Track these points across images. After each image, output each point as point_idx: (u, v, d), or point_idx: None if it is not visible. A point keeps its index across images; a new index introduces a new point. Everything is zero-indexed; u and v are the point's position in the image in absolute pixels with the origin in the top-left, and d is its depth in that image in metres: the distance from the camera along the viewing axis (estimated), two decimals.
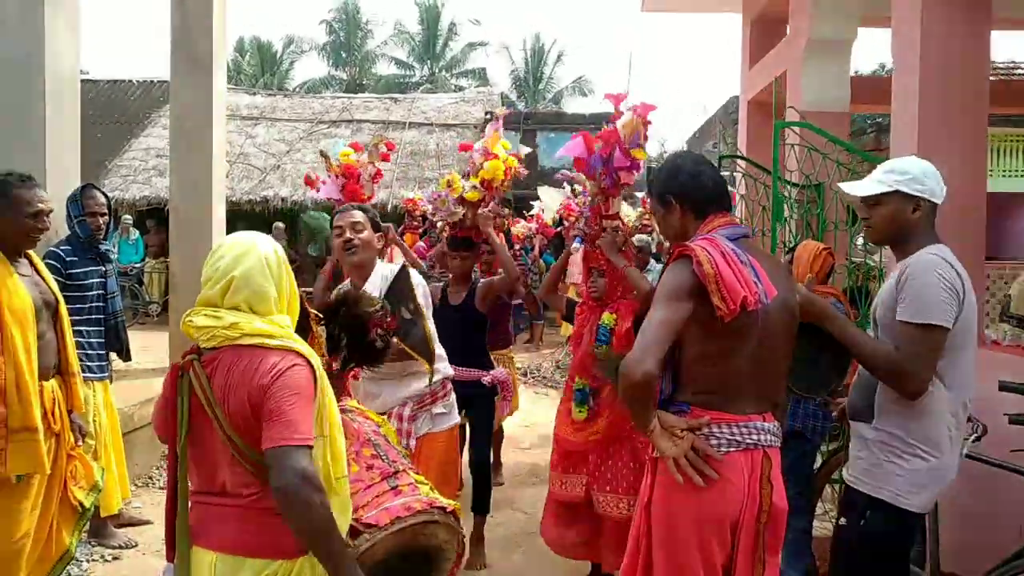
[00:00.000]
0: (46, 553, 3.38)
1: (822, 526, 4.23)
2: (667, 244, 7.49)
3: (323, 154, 4.52)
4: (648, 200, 2.65)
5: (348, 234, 3.37)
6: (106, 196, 4.41)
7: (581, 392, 3.80)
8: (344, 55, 32.81)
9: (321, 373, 2.03)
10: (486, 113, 16.33)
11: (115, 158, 15.34)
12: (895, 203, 2.53)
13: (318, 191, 4.69)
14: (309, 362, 2.00)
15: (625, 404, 2.32)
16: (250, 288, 1.99)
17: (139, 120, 16.55)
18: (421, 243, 12.80)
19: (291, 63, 33.50)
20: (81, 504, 3.47)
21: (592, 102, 33.90)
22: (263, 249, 2.05)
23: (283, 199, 14.66)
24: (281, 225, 14.37)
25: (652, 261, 7.31)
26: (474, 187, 4.24)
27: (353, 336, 2.68)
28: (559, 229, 13.18)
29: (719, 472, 2.18)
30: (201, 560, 1.99)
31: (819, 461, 4.12)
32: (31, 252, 3.43)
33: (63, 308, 3.48)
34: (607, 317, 3.77)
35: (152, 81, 17.92)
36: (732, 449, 2.20)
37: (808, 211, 5.32)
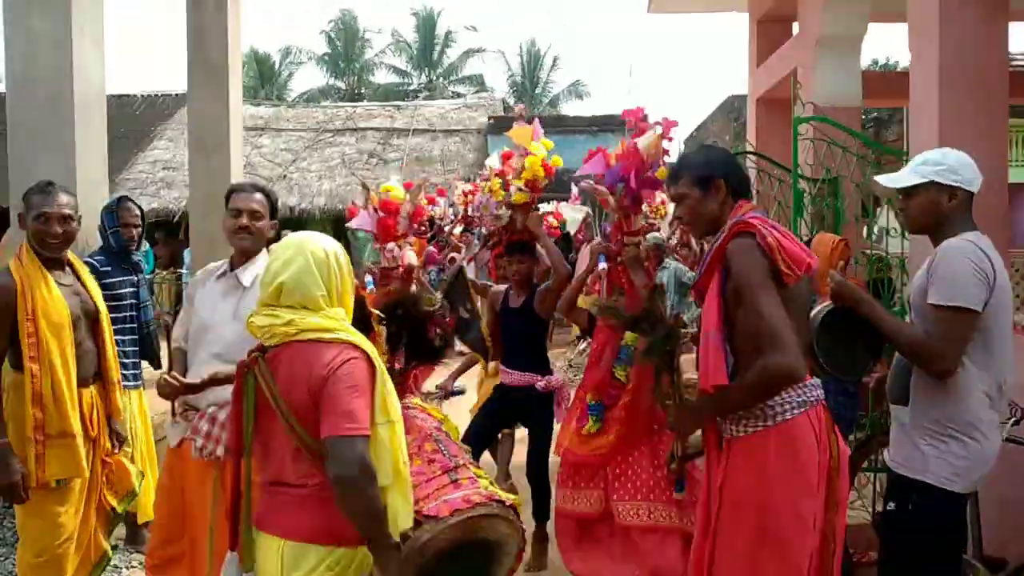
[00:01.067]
0: (86, 556, 3.42)
1: (855, 515, 4.27)
2: (673, 241, 7.50)
3: (364, 186, 4.42)
4: (673, 186, 2.58)
5: (245, 220, 3.16)
6: (140, 208, 4.48)
7: (596, 406, 3.69)
8: (342, 65, 32.90)
9: (379, 363, 2.11)
10: (489, 118, 16.40)
11: (123, 172, 15.41)
12: (930, 193, 2.59)
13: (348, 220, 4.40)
14: (366, 353, 2.07)
15: (754, 396, 2.31)
16: (300, 291, 2.08)
17: (145, 134, 16.63)
18: (431, 247, 12.90)
19: (289, 74, 33.60)
20: (113, 509, 3.52)
21: (589, 105, 34.03)
22: (311, 250, 2.13)
23: (290, 208, 14.72)
24: (289, 234, 14.43)
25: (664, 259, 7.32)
26: (520, 189, 4.20)
27: (413, 335, 2.74)
28: (565, 231, 13.28)
29: (795, 435, 2.30)
30: (269, 547, 2.08)
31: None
32: (75, 261, 3.46)
33: (104, 317, 3.50)
34: (629, 336, 3.62)
35: (156, 95, 17.99)
36: (801, 411, 2.30)
37: (824, 204, 5.38)
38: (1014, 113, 9.20)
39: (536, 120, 4.30)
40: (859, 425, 4.41)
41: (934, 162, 2.60)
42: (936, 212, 2.60)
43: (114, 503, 3.52)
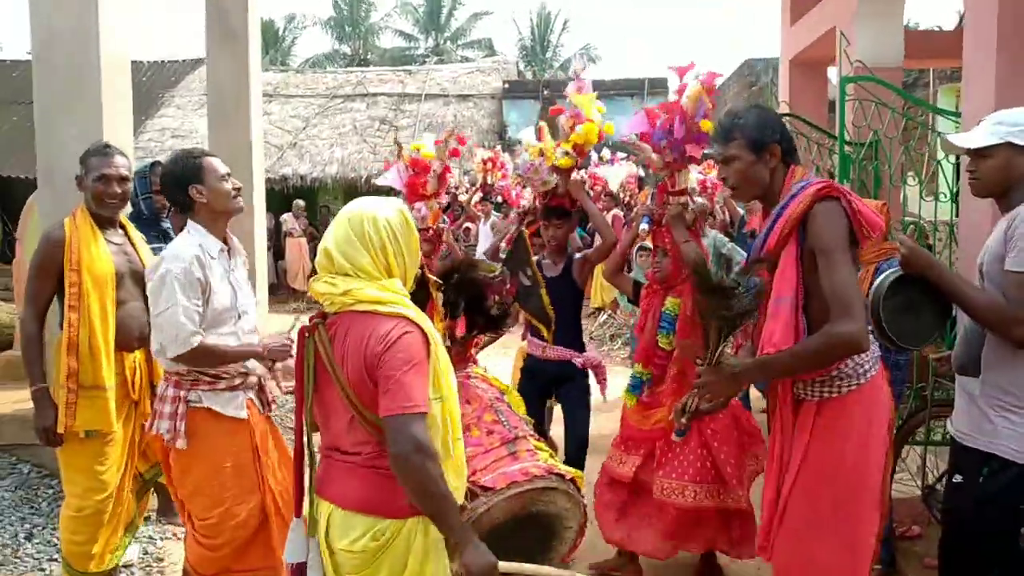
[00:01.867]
0: (122, 519, 3.44)
1: (901, 488, 4.20)
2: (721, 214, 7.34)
3: (397, 143, 4.32)
4: (723, 147, 2.50)
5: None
6: None
7: (637, 379, 3.68)
8: (348, 29, 32.51)
9: (434, 336, 2.06)
10: (504, 83, 16.17)
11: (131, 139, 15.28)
12: (1005, 154, 2.47)
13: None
14: (420, 327, 2.02)
15: (816, 363, 2.33)
16: (345, 259, 2.05)
17: (153, 101, 16.45)
18: (445, 217, 12.78)
19: (294, 39, 33.26)
20: (141, 475, 3.53)
21: (600, 69, 33.66)
22: (351, 216, 2.08)
23: (301, 176, 14.60)
24: (301, 203, 14.31)
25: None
26: (566, 153, 4.05)
27: (471, 302, 2.64)
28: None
29: (877, 391, 2.42)
30: (322, 512, 2.09)
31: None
32: (126, 222, 3.51)
33: None
34: (670, 303, 3.60)
35: (164, 61, 17.78)
36: (877, 367, 2.40)
37: (864, 168, 5.24)
38: None
39: (588, 80, 4.14)
40: (904, 398, 4.32)
41: (1011, 122, 2.48)
42: (1009, 175, 2.49)
43: (142, 469, 3.52)
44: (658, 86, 15.44)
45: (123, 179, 3.37)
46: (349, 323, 2.03)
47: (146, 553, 4.11)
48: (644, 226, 3.84)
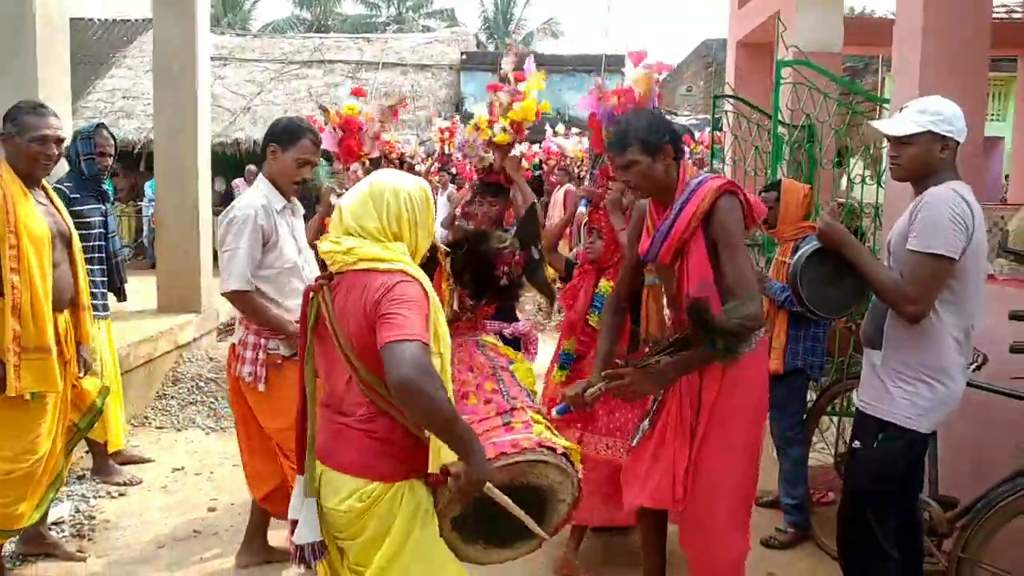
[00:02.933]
0: (48, 476, 3.45)
1: (818, 457, 4.39)
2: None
3: (322, 107, 4.36)
4: (621, 154, 2.70)
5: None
6: (114, 137, 4.40)
7: (567, 355, 3.72)
8: None
9: (433, 295, 2.08)
10: (462, 54, 16.08)
11: (78, 100, 14.88)
12: (926, 143, 2.60)
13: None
14: (419, 281, 2.05)
15: (742, 341, 2.49)
16: (354, 220, 2.09)
17: (103, 61, 16.03)
18: None
19: (254, 3, 32.51)
20: (76, 425, 3.57)
21: (563, 45, 33.53)
22: (373, 182, 2.13)
23: (255, 141, 14.38)
24: (253, 168, 14.11)
25: None
26: (503, 129, 4.05)
27: (478, 272, 2.70)
28: (538, 173, 13.21)
29: (764, 343, 2.86)
30: (315, 473, 2.12)
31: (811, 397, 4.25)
32: (46, 184, 3.45)
33: (76, 242, 3.49)
34: (604, 285, 3.64)
35: (114, 20, 17.29)
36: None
37: (798, 150, 5.39)
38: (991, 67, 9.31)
39: (530, 59, 4.19)
40: (825, 371, 4.50)
41: (933, 112, 2.61)
42: (928, 161, 2.62)
43: (76, 419, 3.56)
44: (615, 64, 15.48)
45: (59, 140, 3.35)
46: (350, 282, 2.07)
47: (78, 511, 4.14)
48: (582, 208, 3.91)
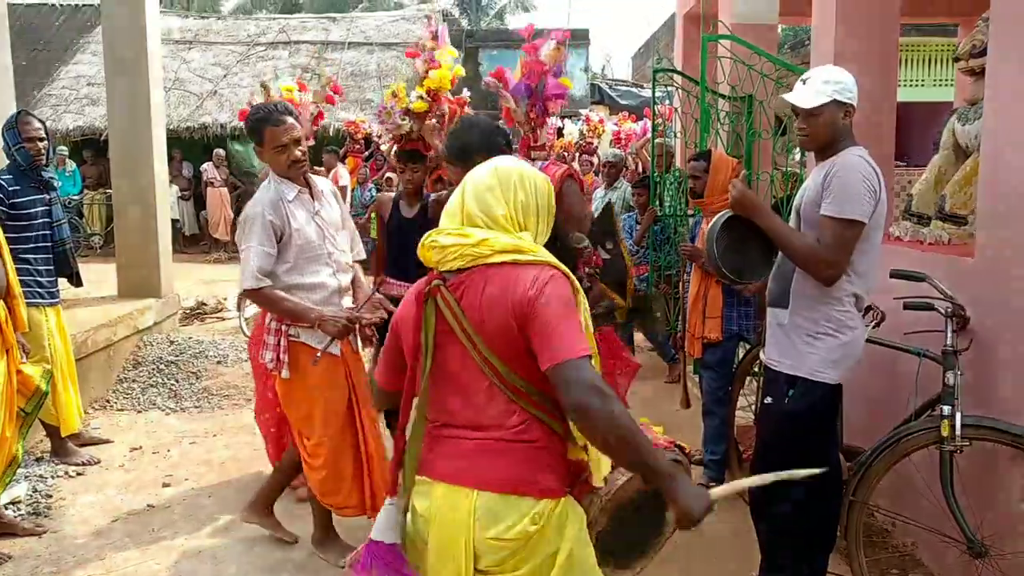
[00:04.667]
0: (2, 460, 3.57)
1: (744, 415, 4.58)
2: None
3: (263, 86, 4.41)
4: (464, 166, 2.83)
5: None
6: (41, 121, 4.41)
7: None
8: None
9: (578, 287, 1.89)
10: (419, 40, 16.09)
11: (43, 87, 14.83)
12: (831, 111, 2.72)
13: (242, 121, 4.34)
14: (566, 274, 1.85)
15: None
16: (479, 206, 1.86)
17: (66, 47, 15.92)
18: (366, 167, 12.76)
19: None
20: (23, 410, 3.68)
21: (535, 18, 33.30)
22: (506, 170, 1.91)
23: (222, 125, 14.40)
24: (221, 152, 14.16)
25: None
26: (420, 97, 4.15)
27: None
28: None
29: None
30: (457, 502, 1.80)
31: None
32: None
33: None
34: None
35: (77, 5, 17.15)
36: None
37: (737, 122, 5.54)
38: (906, 32, 9.39)
39: (443, 27, 4.30)
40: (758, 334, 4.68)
41: (835, 80, 2.72)
42: (834, 129, 2.74)
43: (22, 404, 3.67)
44: (579, 37, 15.53)
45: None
46: (485, 277, 1.80)
47: (35, 491, 4.28)
48: None
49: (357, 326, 3.26)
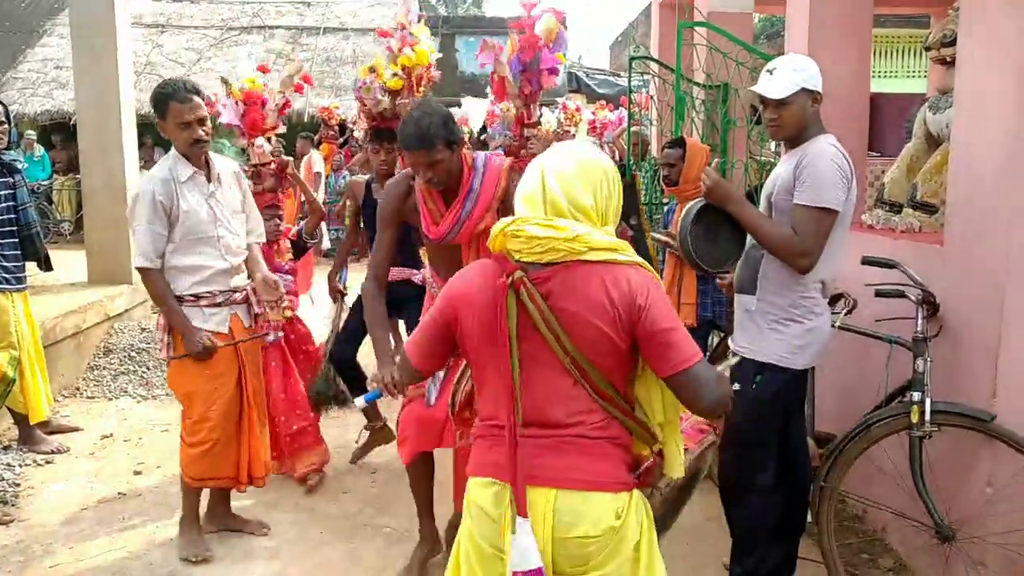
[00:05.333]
0: None
1: None
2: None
3: (224, 80, 4.33)
4: (428, 154, 2.81)
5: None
6: (2, 104, 4.34)
7: None
8: None
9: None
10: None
11: (9, 70, 14.52)
12: (801, 100, 2.72)
13: (218, 115, 4.27)
14: (652, 273, 1.86)
15: None
16: (566, 196, 1.79)
17: (33, 29, 15.60)
18: (340, 154, 12.65)
19: None
20: None
21: (512, 5, 33.17)
22: (586, 158, 1.85)
23: None
24: None
25: None
26: (395, 75, 4.08)
27: None
28: (483, 137, 13.23)
29: None
30: (533, 500, 1.76)
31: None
32: None
33: None
34: None
35: None
36: None
37: (712, 110, 5.55)
38: (880, 23, 9.47)
39: (414, 5, 4.27)
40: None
41: (802, 68, 2.73)
42: (804, 118, 2.74)
43: None
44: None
45: None
46: (577, 274, 1.76)
47: (2, 479, 4.21)
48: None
49: (256, 300, 3.46)
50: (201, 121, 3.24)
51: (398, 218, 3.10)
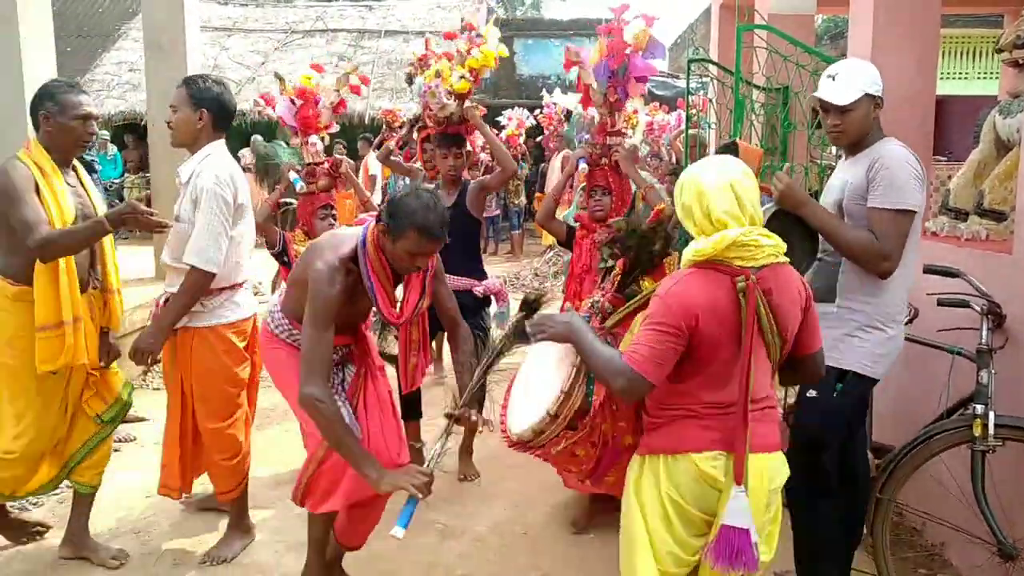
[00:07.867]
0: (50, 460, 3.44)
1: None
2: (643, 152, 7.58)
3: (278, 76, 4.36)
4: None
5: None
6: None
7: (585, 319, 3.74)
8: None
9: None
10: (462, 20, 16.10)
11: (87, 73, 15.08)
12: (864, 106, 2.69)
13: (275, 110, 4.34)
14: None
15: None
16: (752, 206, 2.14)
17: (109, 33, 16.20)
18: (399, 156, 12.80)
19: None
20: (100, 416, 3.48)
21: (571, 8, 33.14)
22: (743, 170, 2.19)
23: (259, 112, 14.52)
24: (259, 138, 14.29)
25: None
26: (462, 77, 4.01)
27: (641, 252, 3.05)
28: (539, 139, 13.26)
29: None
30: (758, 467, 2.12)
31: None
32: (76, 164, 3.38)
33: None
34: (607, 252, 3.53)
35: None
36: None
37: (772, 113, 5.47)
38: (946, 23, 9.17)
39: (483, 7, 4.27)
40: None
41: (865, 73, 2.70)
42: (867, 124, 2.72)
43: (99, 409, 3.49)
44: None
45: (96, 118, 3.30)
46: (780, 275, 2.15)
47: None
48: (582, 166, 3.91)
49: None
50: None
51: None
